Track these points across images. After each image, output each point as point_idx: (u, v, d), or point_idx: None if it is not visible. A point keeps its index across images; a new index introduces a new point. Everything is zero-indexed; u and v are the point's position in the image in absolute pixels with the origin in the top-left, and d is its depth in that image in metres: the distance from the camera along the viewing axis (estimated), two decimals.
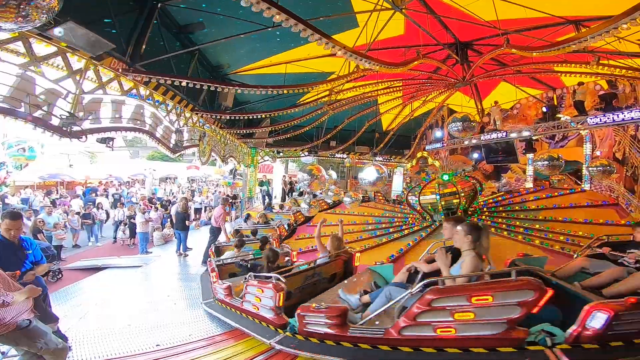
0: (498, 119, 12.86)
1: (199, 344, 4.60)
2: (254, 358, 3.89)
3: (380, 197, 15.37)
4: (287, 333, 4.04)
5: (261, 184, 19.56)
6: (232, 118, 11.56)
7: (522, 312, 2.81)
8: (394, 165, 21.40)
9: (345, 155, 19.09)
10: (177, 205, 11.34)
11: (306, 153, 17.84)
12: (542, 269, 3.72)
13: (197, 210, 17.19)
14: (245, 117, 11.51)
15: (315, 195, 15.55)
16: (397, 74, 9.68)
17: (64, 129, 6.10)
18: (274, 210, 14.47)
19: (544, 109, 11.97)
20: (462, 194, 9.76)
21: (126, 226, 12.32)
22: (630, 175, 10.35)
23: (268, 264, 5.20)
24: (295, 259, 7.00)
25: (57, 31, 4.93)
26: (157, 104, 8.95)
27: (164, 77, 7.34)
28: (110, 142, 8.54)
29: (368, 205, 13.95)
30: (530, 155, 13.16)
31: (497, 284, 2.97)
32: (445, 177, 9.76)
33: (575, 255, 4.54)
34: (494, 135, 12.58)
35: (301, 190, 17.60)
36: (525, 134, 11.81)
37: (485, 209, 11.09)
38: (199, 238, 12.71)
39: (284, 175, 21.20)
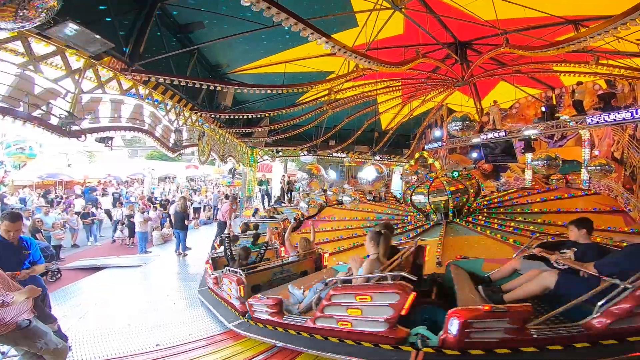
0: (497, 118, 12.87)
1: (199, 343, 4.62)
2: (253, 357, 3.90)
3: (391, 197, 15.32)
4: (245, 319, 4.72)
5: (260, 183, 19.55)
6: (231, 117, 11.55)
7: (394, 313, 3.04)
8: (393, 164, 21.41)
9: (344, 155, 19.08)
10: (176, 205, 11.33)
11: (305, 152, 17.83)
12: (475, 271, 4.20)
13: (197, 210, 17.18)
14: (245, 117, 11.50)
15: (325, 191, 15.60)
16: (397, 73, 9.68)
17: (63, 128, 6.08)
18: (283, 204, 14.61)
19: (543, 109, 11.97)
20: (466, 192, 9.82)
21: (124, 225, 12.30)
22: (629, 175, 10.38)
23: (239, 260, 5.93)
24: (283, 255, 7.19)
25: (56, 30, 4.91)
26: (156, 103, 8.93)
27: (163, 76, 7.32)
28: (109, 142, 8.52)
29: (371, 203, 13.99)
30: (528, 155, 13.17)
31: (375, 286, 3.26)
32: (455, 174, 9.86)
33: (514, 256, 4.52)
34: (493, 135, 12.58)
35: (300, 190, 17.58)
36: (525, 133, 11.82)
37: (484, 210, 11.09)
38: (198, 238, 12.72)
39: (283, 175, 21.19)
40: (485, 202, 11.79)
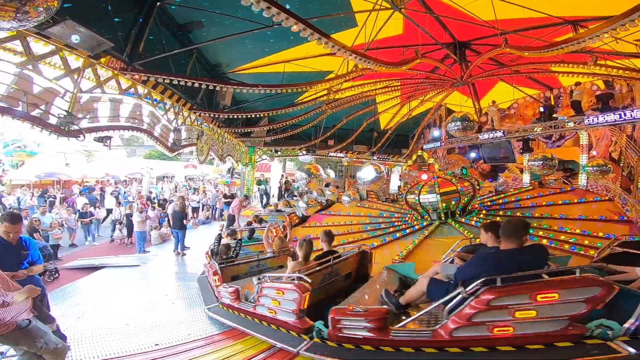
0: (495, 118, 12.91)
1: (198, 343, 4.61)
2: (253, 357, 3.90)
3: (373, 196, 15.31)
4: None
5: (259, 182, 19.56)
6: (230, 117, 11.55)
7: (296, 307, 3.89)
8: (391, 164, 21.43)
9: (343, 155, 19.10)
10: (174, 204, 11.31)
11: (304, 152, 17.84)
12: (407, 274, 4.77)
13: (195, 209, 17.15)
14: (244, 116, 11.50)
15: (328, 185, 15.71)
16: (396, 73, 9.70)
17: (62, 127, 6.07)
18: (295, 198, 14.99)
19: (541, 109, 12.02)
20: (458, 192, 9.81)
21: (122, 225, 12.27)
22: (626, 175, 10.42)
23: (220, 254, 6.85)
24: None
25: (56, 30, 4.90)
26: (155, 102, 8.91)
27: (162, 75, 7.32)
28: (108, 141, 8.50)
29: (363, 205, 13.97)
30: (526, 155, 13.21)
31: (285, 283, 4.15)
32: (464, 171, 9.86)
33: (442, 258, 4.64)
34: (491, 135, 12.62)
35: (299, 190, 17.58)
36: (523, 133, 11.86)
37: (483, 210, 11.07)
38: (197, 237, 12.69)
39: (282, 175, 21.21)
40: (487, 203, 11.73)
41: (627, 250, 4.21)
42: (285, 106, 10.89)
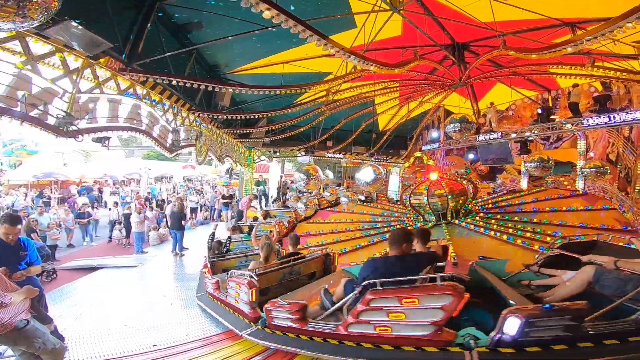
0: (494, 120, 12.94)
1: (196, 344, 4.61)
2: (251, 358, 3.91)
3: (383, 197, 15.37)
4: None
5: (257, 183, 19.54)
6: (229, 118, 11.54)
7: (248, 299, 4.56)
8: (390, 165, 21.45)
9: (341, 156, 19.11)
10: (173, 205, 11.30)
11: (303, 153, 17.84)
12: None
13: (194, 210, 17.13)
14: (242, 117, 11.49)
15: (327, 186, 15.93)
16: (394, 74, 9.71)
17: (60, 128, 6.06)
18: (305, 192, 15.49)
19: (539, 111, 12.06)
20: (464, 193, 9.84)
21: (121, 225, 12.24)
22: (624, 177, 10.46)
23: (213, 250, 7.78)
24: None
25: (55, 30, 4.90)
26: (154, 103, 8.90)
27: (161, 76, 7.32)
28: (106, 142, 8.50)
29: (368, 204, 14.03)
30: (523, 157, 13.25)
31: (237, 279, 4.97)
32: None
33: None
34: (489, 136, 12.65)
35: (297, 192, 17.59)
36: (521, 134, 11.89)
37: (481, 211, 11.09)
38: (195, 238, 12.68)
39: (281, 176, 21.22)
40: (490, 205, 11.72)
41: (563, 252, 4.14)
42: (284, 107, 10.89)
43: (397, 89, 11.81)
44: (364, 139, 17.84)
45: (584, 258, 3.68)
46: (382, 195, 14.98)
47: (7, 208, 13.24)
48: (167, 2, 7.12)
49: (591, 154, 11.64)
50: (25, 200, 15.68)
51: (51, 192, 18.62)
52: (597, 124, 9.43)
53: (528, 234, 8.21)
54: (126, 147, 37.34)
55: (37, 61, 5.70)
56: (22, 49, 5.40)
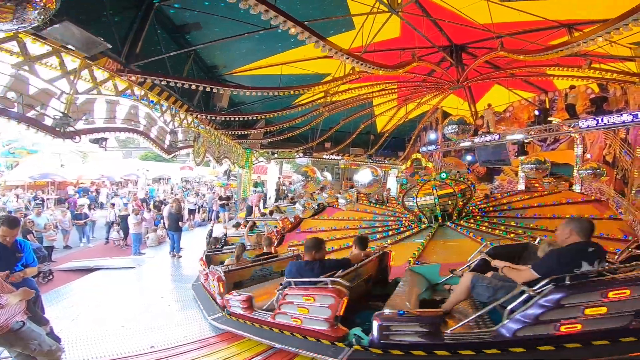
0: (491, 121, 12.98)
1: (193, 345, 4.58)
2: (250, 359, 3.89)
3: (393, 200, 15.31)
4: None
5: (255, 185, 19.53)
6: (227, 119, 11.52)
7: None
8: (388, 167, 21.48)
9: (340, 157, 19.12)
10: (170, 207, 11.27)
11: (301, 154, 17.85)
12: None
13: (191, 211, 17.08)
14: (240, 118, 11.48)
15: (324, 188, 16.12)
16: (392, 76, 9.74)
17: (58, 129, 6.03)
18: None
19: (536, 112, 12.10)
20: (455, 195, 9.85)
21: (119, 226, 12.19)
22: (620, 178, 10.50)
23: (209, 245, 8.56)
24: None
25: (53, 31, 4.88)
26: (151, 104, 8.88)
27: (159, 77, 7.31)
28: (103, 143, 8.46)
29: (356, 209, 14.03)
30: (521, 158, 13.28)
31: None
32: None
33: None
34: (487, 138, 12.69)
35: (294, 193, 17.58)
36: (518, 136, 11.94)
37: (479, 214, 11.10)
38: (192, 239, 12.64)
39: (279, 177, 21.22)
40: (490, 207, 11.72)
41: (486, 257, 4.00)
42: (282, 108, 10.89)
43: (395, 90, 11.84)
44: (362, 141, 17.87)
45: (492, 263, 3.54)
46: (392, 198, 14.96)
47: (4, 206, 13.16)
48: (166, 2, 7.11)
49: (588, 156, 11.69)
50: (17, 202, 15.52)
51: (48, 194, 18.53)
52: (594, 126, 9.49)
53: (512, 235, 8.31)
54: (124, 148, 37.24)
55: (35, 62, 5.68)
56: (19, 50, 5.38)
